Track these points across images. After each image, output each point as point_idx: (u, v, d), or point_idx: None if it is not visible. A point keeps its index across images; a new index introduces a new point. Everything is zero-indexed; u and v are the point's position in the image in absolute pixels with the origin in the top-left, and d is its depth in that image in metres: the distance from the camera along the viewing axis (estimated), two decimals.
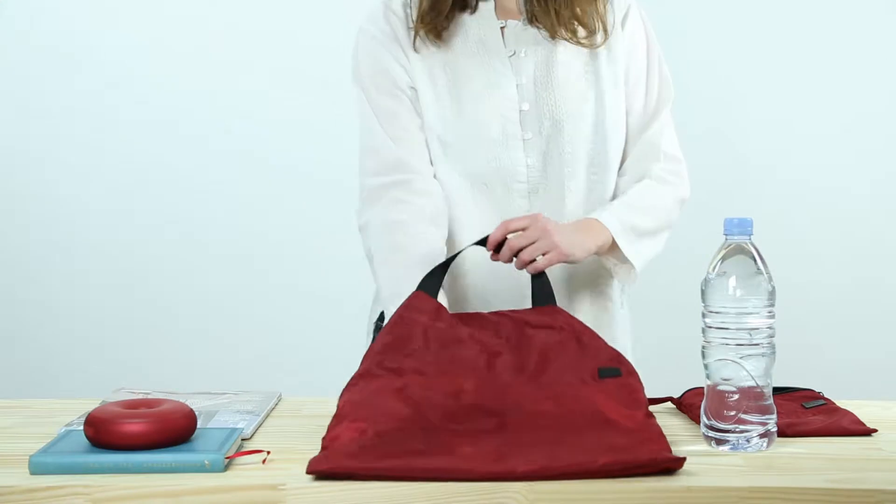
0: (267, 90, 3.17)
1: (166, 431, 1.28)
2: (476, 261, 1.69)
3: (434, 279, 1.55)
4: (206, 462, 1.24)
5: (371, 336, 1.83)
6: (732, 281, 1.34)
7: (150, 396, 1.57)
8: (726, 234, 1.36)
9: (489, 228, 1.63)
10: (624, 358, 1.48)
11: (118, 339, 3.20)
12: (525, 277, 1.61)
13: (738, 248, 1.35)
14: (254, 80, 3.18)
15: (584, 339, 1.49)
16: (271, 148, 3.20)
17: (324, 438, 1.32)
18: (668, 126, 1.79)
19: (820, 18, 3.13)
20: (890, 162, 3.15)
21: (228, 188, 3.20)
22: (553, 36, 1.71)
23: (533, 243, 1.57)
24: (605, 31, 1.73)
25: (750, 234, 1.36)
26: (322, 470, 1.21)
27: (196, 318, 3.18)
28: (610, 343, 1.57)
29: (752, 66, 3.15)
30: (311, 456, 1.27)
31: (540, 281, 1.58)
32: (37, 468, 1.24)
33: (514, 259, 1.58)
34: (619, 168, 1.78)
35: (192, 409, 1.33)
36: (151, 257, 3.21)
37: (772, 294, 1.34)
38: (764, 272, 1.34)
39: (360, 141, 1.76)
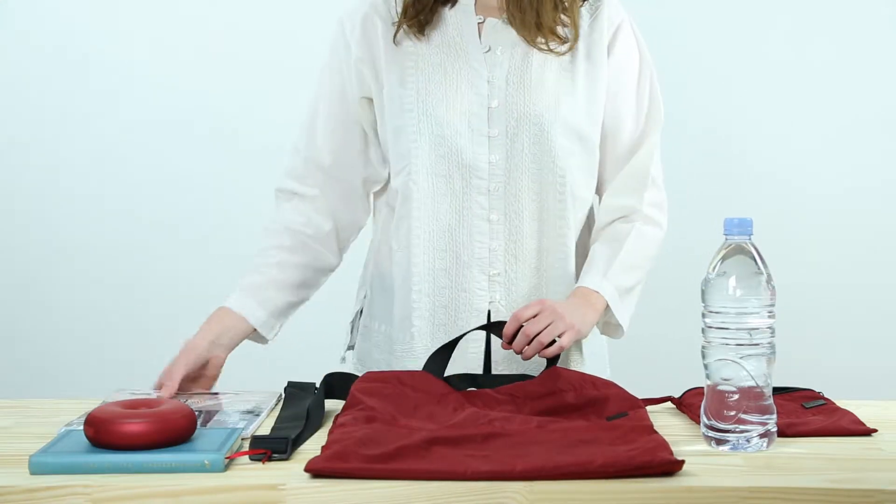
0: (268, 90, 3.17)
1: (166, 431, 1.28)
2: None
3: (440, 359, 1.58)
4: (206, 462, 1.24)
5: (349, 334, 1.88)
6: (732, 281, 1.33)
7: (151, 397, 1.57)
8: (726, 234, 1.36)
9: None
10: (631, 396, 1.48)
11: (118, 339, 3.20)
12: (482, 296, 1.70)
13: (738, 248, 1.35)
14: (254, 80, 3.18)
15: (588, 394, 1.49)
16: (272, 148, 3.19)
17: (330, 433, 1.33)
18: (656, 150, 1.78)
19: (820, 18, 3.13)
20: (890, 162, 3.15)
21: (229, 188, 3.20)
22: (531, 43, 1.70)
23: (548, 326, 1.58)
24: (575, 37, 1.71)
25: (750, 234, 1.36)
26: (320, 468, 1.21)
27: (196, 318, 3.17)
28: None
29: (752, 66, 3.15)
30: (312, 456, 1.27)
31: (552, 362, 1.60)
32: (37, 468, 1.24)
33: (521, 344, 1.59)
34: (602, 183, 1.78)
35: (192, 409, 1.33)
36: (151, 257, 3.21)
37: (772, 294, 1.34)
38: (764, 272, 1.34)
39: (302, 117, 1.83)
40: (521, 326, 1.59)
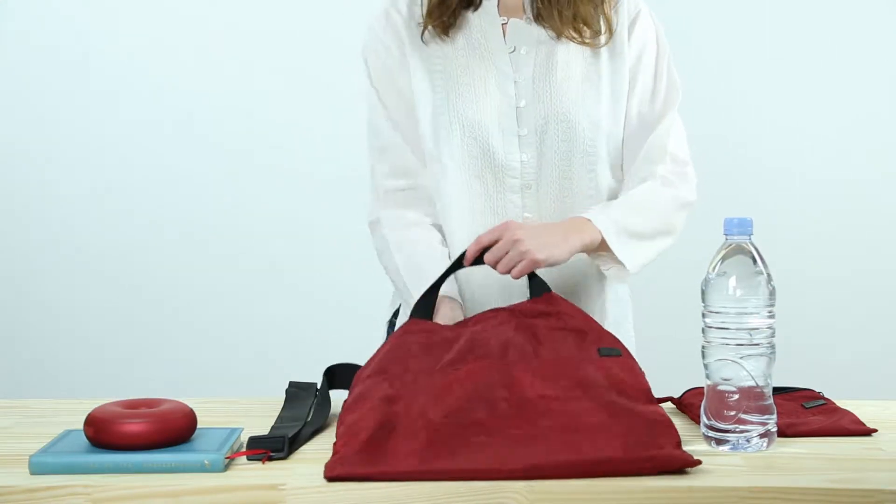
0: (268, 90, 3.17)
1: (166, 431, 1.28)
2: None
3: (425, 304, 1.58)
4: (206, 462, 1.24)
5: (385, 334, 1.85)
6: (732, 281, 1.34)
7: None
8: (726, 234, 1.36)
9: (481, 222, 1.70)
10: (622, 343, 1.48)
11: (118, 339, 3.20)
12: (518, 289, 1.66)
13: (738, 248, 1.35)
14: (255, 80, 3.18)
15: (580, 324, 1.50)
16: (272, 148, 3.21)
17: (335, 443, 1.32)
18: (675, 127, 1.79)
19: (821, 18, 3.13)
20: (890, 162, 3.15)
21: (229, 188, 3.20)
22: (559, 35, 1.72)
23: (506, 253, 1.58)
24: (610, 31, 1.74)
25: (750, 234, 1.36)
26: (338, 475, 1.20)
27: (196, 318, 3.19)
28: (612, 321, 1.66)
29: (753, 66, 3.15)
30: (312, 456, 1.28)
31: (534, 281, 1.60)
32: (37, 468, 1.24)
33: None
34: (623, 169, 1.78)
35: (191, 409, 1.33)
36: (151, 257, 3.21)
37: (772, 294, 1.34)
38: (764, 272, 1.34)
39: (368, 137, 1.79)
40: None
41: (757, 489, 1.18)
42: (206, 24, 3.19)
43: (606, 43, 1.74)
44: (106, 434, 1.27)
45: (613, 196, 1.76)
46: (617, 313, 1.82)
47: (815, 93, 3.14)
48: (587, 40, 1.73)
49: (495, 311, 1.55)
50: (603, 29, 1.74)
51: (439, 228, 1.75)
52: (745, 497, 1.17)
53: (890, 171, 3.15)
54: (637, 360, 1.48)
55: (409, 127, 1.76)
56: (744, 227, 1.35)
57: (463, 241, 1.70)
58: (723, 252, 1.36)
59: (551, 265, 1.62)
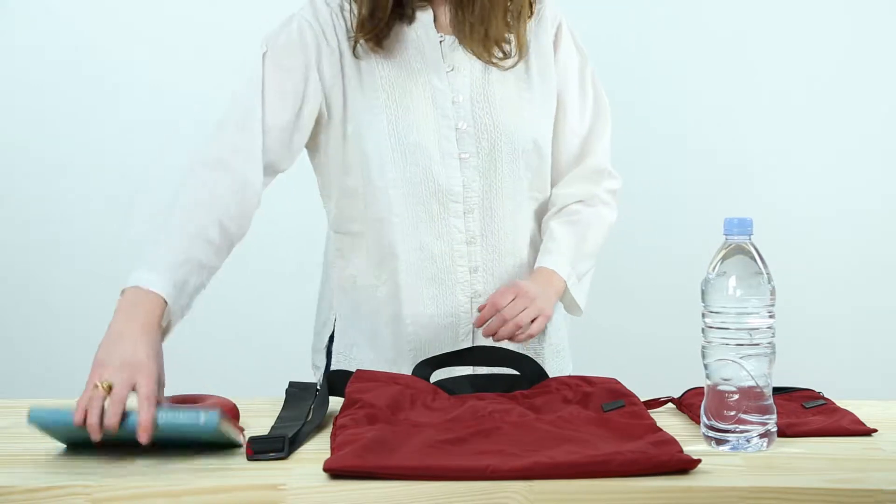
0: None
1: None
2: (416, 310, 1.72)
3: (424, 371, 1.58)
4: (202, 418, 1.25)
5: (325, 359, 1.81)
6: (732, 281, 1.33)
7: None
8: (726, 234, 1.36)
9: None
10: (627, 390, 1.49)
11: None
12: (465, 318, 1.70)
13: (738, 248, 1.35)
14: None
15: (582, 394, 1.49)
16: None
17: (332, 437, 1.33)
18: (605, 140, 1.79)
19: (822, 18, 3.13)
20: (890, 162, 3.15)
21: None
22: (477, 55, 1.68)
23: (523, 311, 1.62)
24: (521, 53, 1.71)
25: (750, 234, 1.36)
26: (338, 468, 1.20)
27: (196, 317, 3.17)
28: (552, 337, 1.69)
29: (752, 65, 3.15)
30: (312, 456, 1.28)
31: (529, 364, 1.60)
32: (36, 417, 1.27)
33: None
34: (556, 179, 1.79)
35: (234, 404, 1.42)
36: None
37: (772, 294, 1.34)
38: (764, 272, 1.34)
39: (231, 103, 1.69)
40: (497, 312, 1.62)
41: (757, 489, 1.18)
42: (205, 25, 3.19)
43: (513, 66, 1.70)
44: None
45: (544, 207, 1.77)
46: (558, 340, 1.83)
47: (815, 92, 3.14)
48: (495, 61, 1.68)
49: (493, 395, 1.54)
50: (513, 52, 1.70)
51: (251, 188, 1.61)
52: (745, 497, 1.17)
53: (890, 171, 3.15)
54: (636, 360, 1.48)
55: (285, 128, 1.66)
56: (744, 227, 1.35)
57: (415, 273, 1.69)
58: (723, 252, 1.36)
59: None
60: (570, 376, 1.56)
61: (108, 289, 3.22)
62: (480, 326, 1.63)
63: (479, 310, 1.65)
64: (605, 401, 1.45)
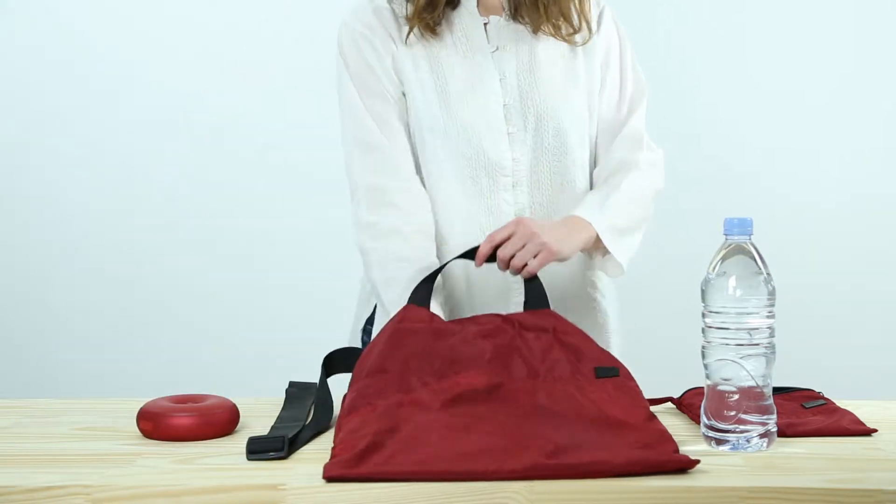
0: (268, 91, 3.17)
1: (212, 425, 1.39)
2: (462, 265, 1.72)
3: (424, 290, 1.58)
4: None
5: (360, 341, 1.84)
6: (732, 281, 1.33)
7: None
8: (726, 234, 1.36)
9: (476, 221, 1.72)
10: (618, 361, 1.49)
11: (118, 339, 3.21)
12: (509, 279, 1.68)
13: (738, 248, 1.35)
14: (254, 80, 3.18)
15: (578, 341, 1.50)
16: (272, 148, 3.21)
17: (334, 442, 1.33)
18: (643, 117, 1.83)
19: (821, 20, 3.14)
20: (890, 162, 3.15)
21: (229, 188, 3.20)
22: (536, 30, 1.75)
23: (522, 247, 1.61)
24: (589, 28, 1.78)
25: (750, 234, 1.36)
26: (337, 476, 1.20)
27: (196, 317, 3.18)
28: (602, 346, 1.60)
29: (753, 65, 3.15)
30: (312, 456, 1.28)
31: (532, 285, 1.61)
32: None
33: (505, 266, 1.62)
34: (597, 160, 1.82)
35: (234, 404, 1.43)
36: (151, 257, 3.21)
37: (772, 294, 1.34)
38: (764, 272, 1.34)
39: (347, 132, 1.76)
40: (497, 247, 1.62)
41: (757, 489, 1.18)
42: (205, 25, 3.19)
43: (588, 40, 1.78)
44: (157, 429, 1.38)
45: (590, 187, 1.80)
46: (602, 320, 1.84)
47: (815, 92, 3.14)
48: (566, 37, 1.76)
49: (492, 317, 1.54)
50: (581, 26, 1.77)
51: (421, 229, 1.71)
52: (745, 497, 1.17)
53: (890, 171, 3.15)
54: (636, 360, 1.48)
55: (395, 128, 1.74)
56: (744, 227, 1.35)
57: (459, 242, 1.71)
58: (723, 252, 1.36)
59: (561, 260, 1.66)
60: (561, 318, 1.55)
61: (109, 289, 3.26)
62: (480, 266, 1.64)
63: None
64: (598, 363, 1.47)
